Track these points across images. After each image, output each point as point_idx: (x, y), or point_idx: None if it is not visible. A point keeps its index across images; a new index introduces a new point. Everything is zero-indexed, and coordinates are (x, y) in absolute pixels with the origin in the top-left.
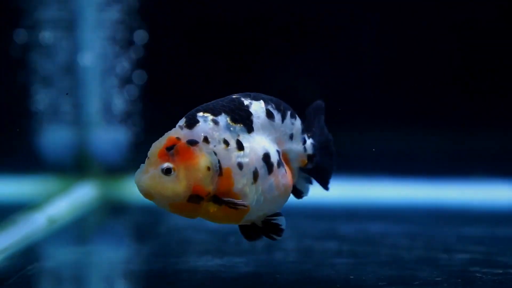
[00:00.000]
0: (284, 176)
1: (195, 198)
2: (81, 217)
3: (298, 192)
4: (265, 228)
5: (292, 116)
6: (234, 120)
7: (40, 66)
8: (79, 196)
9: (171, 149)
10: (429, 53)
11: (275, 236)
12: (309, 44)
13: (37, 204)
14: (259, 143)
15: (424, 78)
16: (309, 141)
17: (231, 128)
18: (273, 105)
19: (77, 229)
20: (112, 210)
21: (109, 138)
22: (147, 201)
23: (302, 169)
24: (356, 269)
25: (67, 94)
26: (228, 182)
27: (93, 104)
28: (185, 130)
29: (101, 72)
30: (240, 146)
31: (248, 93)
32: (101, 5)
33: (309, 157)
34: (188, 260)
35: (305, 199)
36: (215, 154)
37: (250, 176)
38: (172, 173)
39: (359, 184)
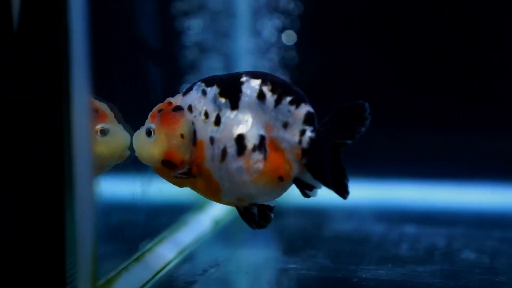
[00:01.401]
0: (259, 162)
1: (168, 164)
2: (239, 219)
3: (304, 189)
4: (244, 215)
5: (292, 103)
6: (222, 93)
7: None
8: None
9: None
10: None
11: (253, 225)
12: None
13: (201, 205)
14: (239, 122)
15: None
16: (308, 134)
17: (217, 102)
18: (270, 87)
19: (239, 231)
20: None
21: None
22: (302, 204)
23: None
24: None
25: None
26: (201, 155)
27: None
28: (180, 97)
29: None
30: (217, 121)
31: (257, 71)
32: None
33: (303, 151)
34: (368, 268)
35: (481, 206)
36: (193, 124)
37: (219, 153)
38: (152, 135)
39: None
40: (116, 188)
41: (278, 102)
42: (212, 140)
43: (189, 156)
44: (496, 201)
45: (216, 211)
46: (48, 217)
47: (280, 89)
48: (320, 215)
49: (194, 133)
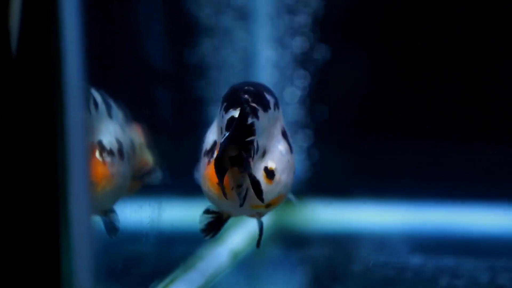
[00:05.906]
0: (203, 167)
1: None
2: (260, 249)
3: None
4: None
5: (224, 109)
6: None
7: None
8: (254, 225)
9: None
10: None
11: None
12: None
13: (218, 236)
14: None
15: None
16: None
17: None
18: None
19: (259, 265)
20: (290, 241)
21: None
22: (328, 231)
23: None
24: None
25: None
26: None
27: None
28: None
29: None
30: None
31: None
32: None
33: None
34: None
35: None
36: None
37: None
38: None
39: None
40: (121, 217)
41: (220, 108)
42: None
43: None
44: None
45: (235, 242)
46: (41, 255)
47: (226, 96)
48: (348, 243)
49: None
